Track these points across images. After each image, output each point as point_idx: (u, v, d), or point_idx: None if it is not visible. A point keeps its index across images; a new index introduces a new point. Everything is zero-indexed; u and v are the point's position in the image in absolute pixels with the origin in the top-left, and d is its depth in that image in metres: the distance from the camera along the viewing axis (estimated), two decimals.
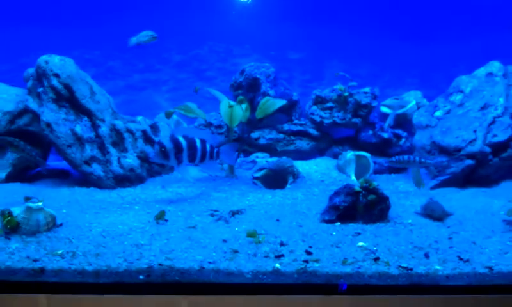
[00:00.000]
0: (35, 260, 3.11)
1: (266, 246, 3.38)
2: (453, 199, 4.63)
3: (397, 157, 5.01)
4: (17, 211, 3.55)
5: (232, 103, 5.45)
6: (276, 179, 5.23)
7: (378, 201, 4.00)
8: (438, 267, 3.11)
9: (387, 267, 3.10)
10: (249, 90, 6.39)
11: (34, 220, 3.56)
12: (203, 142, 4.51)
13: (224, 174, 5.49)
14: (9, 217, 3.49)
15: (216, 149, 4.60)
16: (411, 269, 3.08)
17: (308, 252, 3.29)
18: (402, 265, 3.12)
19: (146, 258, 3.14)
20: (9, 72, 5.98)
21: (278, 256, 3.22)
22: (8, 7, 6.63)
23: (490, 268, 3.12)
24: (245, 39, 6.96)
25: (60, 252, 3.23)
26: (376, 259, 3.21)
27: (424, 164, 4.87)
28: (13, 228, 3.50)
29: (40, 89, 5.09)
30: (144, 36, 5.34)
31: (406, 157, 4.93)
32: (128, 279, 3.01)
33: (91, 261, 3.10)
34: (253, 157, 6.05)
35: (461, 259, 3.24)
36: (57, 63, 5.15)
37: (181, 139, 4.42)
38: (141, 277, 3.00)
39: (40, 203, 3.62)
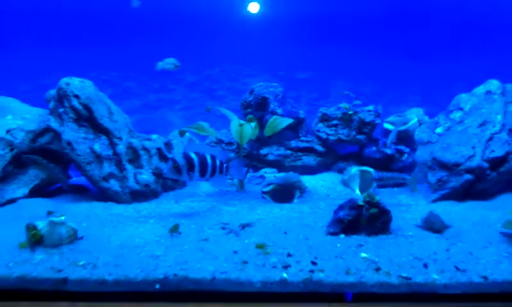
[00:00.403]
0: (59, 271, 3.23)
1: (274, 257, 3.47)
2: (452, 212, 4.67)
3: (380, 173, 5.14)
4: (41, 225, 3.65)
5: (242, 122, 5.50)
6: (283, 193, 5.25)
7: (380, 214, 4.05)
8: (436, 277, 3.21)
9: (388, 277, 3.20)
10: (258, 109, 6.43)
11: (57, 233, 3.66)
12: (213, 158, 4.59)
13: (235, 189, 5.53)
14: (34, 231, 3.61)
15: (225, 165, 4.67)
16: (411, 279, 3.18)
17: (314, 263, 3.39)
18: (403, 275, 3.22)
19: (162, 269, 3.25)
20: (31, 92, 6.02)
21: (285, 267, 3.31)
22: (29, 31, 6.74)
23: (485, 277, 3.21)
24: (254, 60, 7.01)
25: (82, 263, 3.35)
26: (378, 269, 3.31)
27: (407, 181, 4.98)
28: (38, 241, 3.61)
29: (61, 110, 5.17)
30: (170, 63, 5.47)
31: (388, 173, 5.06)
32: (146, 288, 3.12)
33: (111, 271, 3.22)
34: (261, 172, 6.08)
35: (458, 269, 3.33)
36: (78, 85, 5.24)
37: (193, 155, 4.50)
38: (157, 286, 3.12)
39: (63, 217, 3.72)
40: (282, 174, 5.62)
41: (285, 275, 3.19)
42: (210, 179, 4.64)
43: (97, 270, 3.25)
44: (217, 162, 4.62)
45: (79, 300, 3.11)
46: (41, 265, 3.32)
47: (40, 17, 6.66)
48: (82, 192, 5.44)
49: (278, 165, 6.30)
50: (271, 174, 5.94)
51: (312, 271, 3.26)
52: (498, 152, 5.09)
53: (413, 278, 3.18)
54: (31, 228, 3.64)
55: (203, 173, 4.55)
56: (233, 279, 3.15)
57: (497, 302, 3.17)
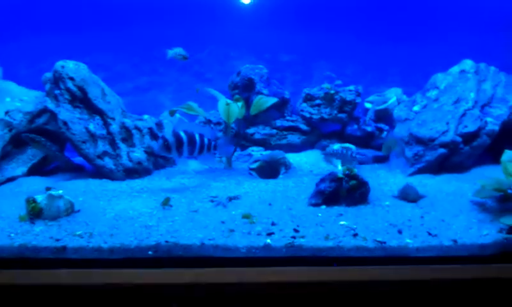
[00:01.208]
0: (57, 240, 3.33)
1: (259, 226, 3.59)
2: (428, 184, 4.76)
3: (331, 148, 5.25)
4: (40, 198, 3.73)
5: (229, 101, 5.54)
6: (269, 170, 5.32)
7: (359, 185, 4.16)
8: (409, 241, 3.33)
9: (364, 241, 3.32)
10: (245, 90, 6.46)
11: (55, 206, 3.75)
12: (201, 136, 4.64)
13: (223, 167, 5.61)
14: (34, 204, 3.70)
15: (213, 143, 4.73)
16: (385, 243, 3.30)
17: (296, 230, 3.51)
18: (378, 239, 3.34)
19: (154, 237, 3.35)
20: (28, 77, 6.02)
21: (269, 234, 3.43)
22: (25, 18, 6.74)
23: (455, 241, 3.34)
24: (241, 44, 7.00)
25: (79, 233, 3.45)
26: (355, 235, 3.43)
27: (354, 159, 5.07)
28: (37, 214, 3.70)
29: (57, 91, 5.18)
30: (178, 54, 5.49)
31: (339, 149, 5.16)
32: (139, 254, 3.22)
33: (106, 240, 3.32)
34: (248, 150, 6.14)
35: (430, 234, 3.45)
36: (72, 68, 5.25)
37: (182, 133, 4.56)
38: (150, 252, 3.23)
39: (61, 191, 3.82)
40: (268, 152, 5.69)
41: (268, 241, 3.31)
42: (199, 156, 4.71)
43: (93, 238, 3.35)
44: (206, 141, 4.67)
45: (77, 267, 3.20)
46: (40, 235, 3.42)
47: (35, 5, 6.65)
48: (78, 171, 5.49)
49: (264, 143, 6.36)
50: (257, 152, 5.99)
51: (293, 237, 3.38)
52: (471, 127, 5.19)
53: (388, 242, 3.31)
54: (30, 201, 3.73)
55: (191, 151, 4.61)
56: (221, 245, 3.26)
57: (465, 264, 3.30)
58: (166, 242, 3.27)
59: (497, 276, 3.24)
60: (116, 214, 3.90)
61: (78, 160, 5.57)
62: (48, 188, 4.06)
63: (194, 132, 4.65)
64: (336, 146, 5.66)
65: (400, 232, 3.50)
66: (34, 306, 3.16)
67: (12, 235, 3.44)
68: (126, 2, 6.82)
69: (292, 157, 5.79)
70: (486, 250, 3.31)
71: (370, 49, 7.01)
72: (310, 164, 5.71)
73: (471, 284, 3.22)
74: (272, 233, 3.45)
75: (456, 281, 3.22)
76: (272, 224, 3.65)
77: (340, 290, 3.16)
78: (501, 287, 3.21)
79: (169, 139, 4.54)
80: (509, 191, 3.87)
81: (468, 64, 5.87)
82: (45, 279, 3.15)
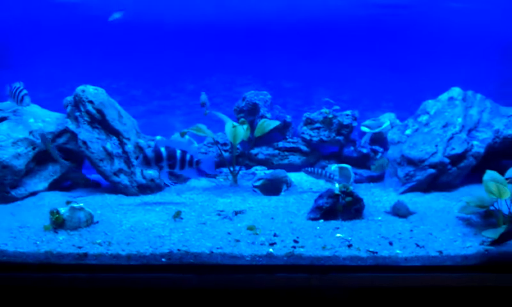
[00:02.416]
0: (79, 247, 3.50)
1: (262, 237, 3.75)
2: (418, 202, 4.88)
3: (311, 168, 5.37)
4: (63, 210, 3.90)
5: (235, 124, 5.69)
6: (272, 187, 5.42)
7: (354, 202, 4.31)
8: (398, 251, 3.49)
9: (358, 251, 3.48)
10: (250, 114, 6.56)
11: (76, 217, 3.92)
12: (183, 152, 4.70)
13: (229, 184, 5.74)
14: (57, 215, 3.87)
15: (195, 159, 4.77)
16: (377, 253, 3.46)
17: (296, 241, 3.66)
18: (370, 250, 3.51)
19: (167, 246, 3.52)
20: (49, 99, 6.10)
21: (272, 244, 3.59)
22: (47, 46, 6.92)
23: (441, 252, 3.49)
24: (247, 71, 7.13)
25: (99, 241, 3.61)
26: (350, 245, 3.59)
27: (330, 179, 5.17)
28: (60, 224, 3.87)
29: (77, 113, 5.35)
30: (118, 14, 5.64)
31: (319, 169, 5.28)
32: (154, 261, 3.38)
33: (124, 248, 3.49)
34: (253, 169, 6.23)
35: (418, 245, 3.61)
36: (92, 92, 5.43)
37: (162, 149, 4.66)
38: (163, 259, 3.39)
39: (82, 204, 3.99)
40: (271, 171, 5.79)
41: (271, 250, 3.47)
42: (181, 171, 4.80)
43: (112, 247, 3.52)
44: (187, 157, 4.73)
45: (96, 272, 3.36)
46: (64, 243, 3.59)
47: (56, 35, 6.83)
48: (95, 187, 5.61)
49: (267, 163, 6.45)
50: (261, 171, 6.10)
51: (294, 247, 3.54)
52: (458, 149, 5.31)
53: (379, 252, 3.47)
54: (54, 212, 3.89)
55: (172, 166, 4.71)
56: (228, 253, 3.43)
57: (450, 273, 3.45)
58: (178, 250, 3.44)
59: (479, 285, 3.39)
60: (132, 225, 4.06)
61: (94, 177, 5.70)
62: (68, 202, 4.24)
63: (176, 148, 4.73)
64: (334, 167, 5.82)
65: (391, 244, 3.65)
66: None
67: (38, 242, 3.61)
68: (139, 34, 7.02)
69: (293, 176, 5.89)
70: (469, 260, 3.45)
71: (366, 77, 7.12)
72: (309, 182, 5.82)
73: (455, 292, 3.37)
74: (274, 243, 3.61)
75: (441, 288, 3.38)
76: (275, 235, 3.81)
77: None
78: (482, 295, 3.36)
79: (148, 154, 4.67)
80: (491, 208, 3.99)
81: (456, 91, 5.99)
82: (68, 282, 3.32)
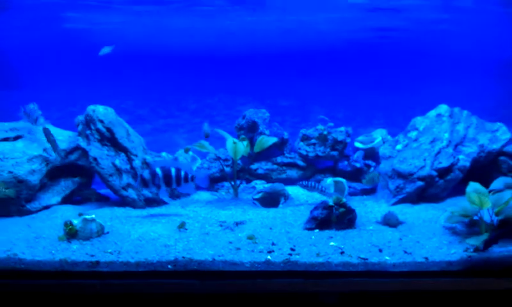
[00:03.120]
0: (92, 255, 3.65)
1: (261, 245, 3.89)
2: (407, 212, 5.00)
3: (306, 181, 5.48)
4: (76, 221, 4.05)
5: (236, 140, 5.82)
6: (271, 200, 5.54)
7: (347, 212, 4.45)
8: (387, 258, 3.63)
9: (350, 258, 3.63)
10: (250, 131, 6.64)
11: (88, 228, 4.07)
12: (178, 170, 4.84)
13: (230, 197, 5.86)
14: (71, 226, 4.02)
15: (190, 175, 4.89)
16: (367, 259, 3.60)
17: (292, 249, 3.81)
18: (361, 256, 3.66)
19: (173, 254, 3.66)
20: (61, 119, 6.21)
21: (270, 252, 3.73)
22: (59, 69, 7.10)
23: (426, 258, 3.64)
24: (246, 91, 7.28)
25: (110, 250, 3.76)
26: (342, 253, 3.73)
27: (323, 192, 5.29)
28: (73, 234, 4.02)
29: (88, 132, 5.49)
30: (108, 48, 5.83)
31: (312, 183, 5.40)
32: (160, 268, 3.54)
33: (133, 256, 3.63)
34: (252, 183, 6.32)
35: (405, 252, 3.75)
36: (102, 111, 5.57)
37: (158, 170, 4.80)
38: (169, 266, 3.54)
39: (93, 216, 4.14)
40: (270, 185, 5.90)
41: (269, 257, 3.62)
42: (177, 187, 4.94)
43: (122, 255, 3.67)
44: (182, 174, 4.86)
45: (108, 279, 3.51)
46: (77, 252, 3.74)
47: (67, 57, 7.00)
48: (104, 201, 5.73)
49: (266, 177, 6.54)
50: (260, 185, 6.21)
51: (290, 254, 3.69)
52: (445, 163, 5.44)
53: (369, 259, 3.61)
54: (68, 224, 4.04)
55: (168, 183, 4.85)
56: (229, 260, 3.58)
57: (435, 278, 3.59)
58: (183, 257, 3.59)
59: (462, 289, 3.53)
60: (140, 236, 4.20)
61: (103, 191, 5.84)
62: (80, 214, 4.38)
63: (171, 167, 4.87)
64: (329, 180, 5.95)
65: (380, 251, 3.80)
66: None
67: (53, 251, 3.76)
68: (146, 58, 7.21)
69: (291, 189, 5.98)
70: (453, 266, 3.59)
71: (359, 96, 7.31)
72: (306, 195, 5.91)
73: (440, 296, 3.51)
74: (272, 251, 3.76)
75: (427, 292, 3.52)
76: (272, 244, 3.95)
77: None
78: (466, 298, 3.50)
79: (145, 176, 4.85)
80: (475, 217, 4.14)
81: (443, 108, 6.13)
82: (82, 289, 3.46)
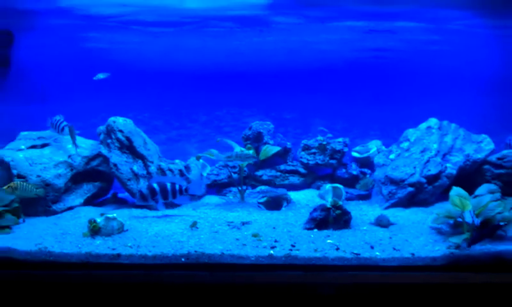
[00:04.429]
0: (113, 249, 3.85)
1: (265, 242, 4.07)
2: (399, 215, 5.16)
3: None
4: (99, 219, 4.27)
5: (243, 149, 5.99)
6: (274, 203, 5.69)
7: (343, 214, 4.64)
8: (378, 253, 3.81)
9: (344, 253, 3.81)
10: (255, 141, 6.79)
11: (110, 226, 4.28)
12: (173, 184, 5.06)
13: (237, 201, 6.01)
14: (95, 223, 4.23)
15: (184, 187, 5.12)
16: (359, 254, 3.79)
17: (293, 245, 3.99)
18: (354, 252, 3.85)
19: (186, 248, 3.86)
20: (84, 129, 6.31)
21: (273, 247, 3.92)
22: (81, 84, 7.28)
23: (413, 254, 3.83)
24: (252, 105, 7.45)
25: (129, 244, 3.96)
26: (337, 249, 3.92)
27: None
28: (96, 231, 4.23)
29: (109, 140, 5.71)
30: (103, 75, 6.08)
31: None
32: (175, 260, 3.73)
33: (150, 249, 3.83)
34: (258, 189, 6.36)
35: (394, 249, 3.93)
36: (122, 122, 5.81)
37: (155, 185, 5.03)
38: (183, 259, 3.73)
39: (115, 214, 4.37)
40: (271, 188, 6.10)
41: (272, 252, 3.81)
42: (174, 200, 5.14)
43: (140, 249, 3.87)
44: (177, 187, 5.08)
45: (128, 270, 3.71)
46: (100, 246, 3.95)
47: (89, 73, 7.15)
48: (122, 203, 5.91)
49: (270, 183, 6.65)
50: (265, 190, 6.26)
51: (291, 250, 3.88)
52: (433, 171, 5.61)
53: (361, 254, 3.79)
54: (92, 221, 4.25)
55: (165, 197, 5.06)
56: (236, 254, 3.77)
57: (420, 272, 3.78)
58: (195, 251, 3.79)
59: (445, 282, 3.69)
60: (156, 233, 4.41)
61: (121, 195, 6.05)
62: (102, 214, 4.59)
63: (166, 182, 5.11)
64: (328, 186, 6.12)
65: (372, 247, 3.99)
66: None
67: (79, 245, 3.97)
68: (160, 73, 7.40)
69: (293, 194, 6.15)
70: (437, 261, 3.77)
71: (356, 110, 7.45)
72: (306, 200, 6.06)
73: (424, 288, 3.68)
74: (275, 247, 3.95)
75: (413, 284, 3.69)
76: (275, 241, 4.14)
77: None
78: (447, 290, 3.67)
79: (144, 191, 5.05)
80: (459, 219, 4.32)
81: (433, 121, 6.32)
82: (104, 278, 3.68)
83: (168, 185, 5.09)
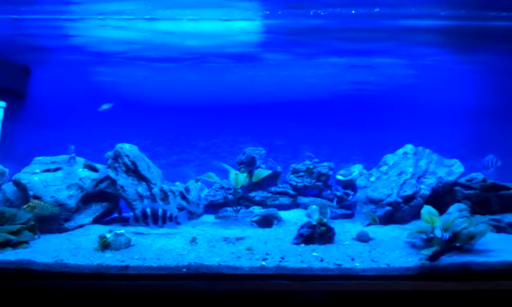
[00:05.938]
0: (122, 261, 4.03)
1: (257, 255, 4.26)
2: (378, 231, 5.36)
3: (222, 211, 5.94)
4: (109, 235, 4.45)
5: (237, 172, 6.19)
6: (266, 222, 5.88)
7: (327, 231, 4.85)
8: (357, 264, 4.01)
9: (327, 264, 4.01)
10: (249, 165, 6.98)
11: (118, 241, 4.46)
12: (164, 211, 5.24)
13: (232, 219, 6.24)
14: (104, 239, 4.41)
15: (174, 215, 5.29)
16: (341, 265, 3.99)
17: (282, 258, 4.17)
18: (336, 263, 4.06)
19: (187, 260, 4.03)
20: (92, 154, 6.55)
21: (264, 259, 4.10)
22: (89, 113, 7.48)
23: (388, 264, 4.04)
24: (246, 132, 7.70)
25: (136, 257, 4.14)
26: (322, 260, 4.12)
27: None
28: (106, 246, 4.40)
29: (116, 165, 5.90)
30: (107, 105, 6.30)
31: (225, 213, 5.89)
32: (177, 271, 3.91)
33: (155, 261, 4.02)
34: (251, 208, 6.57)
35: (372, 260, 4.13)
36: (128, 148, 6.01)
37: (148, 210, 5.21)
38: (184, 270, 3.91)
39: (123, 231, 4.55)
40: (265, 210, 6.26)
41: (263, 263, 4.00)
42: (163, 225, 5.28)
43: (146, 261, 4.05)
44: (168, 214, 5.25)
45: (135, 279, 3.89)
46: (110, 259, 4.11)
47: (97, 103, 7.35)
48: (127, 221, 6.09)
49: (262, 203, 6.81)
50: (257, 210, 6.49)
51: (280, 261, 4.06)
52: (409, 192, 5.86)
53: (343, 265, 3.99)
54: (102, 237, 4.43)
55: (155, 221, 5.23)
56: (231, 265, 3.95)
57: (395, 281, 3.99)
58: (195, 263, 3.97)
59: (416, 289, 3.88)
60: (159, 247, 4.58)
61: (126, 214, 6.19)
62: (111, 231, 4.78)
63: (159, 208, 5.28)
64: (314, 206, 6.30)
65: (353, 259, 4.19)
66: None
67: (91, 258, 4.14)
68: (162, 104, 7.66)
69: (283, 213, 6.33)
70: (410, 271, 3.96)
71: (340, 137, 7.73)
72: (295, 219, 6.20)
73: (398, 295, 3.88)
74: (266, 259, 4.14)
75: (388, 292, 3.89)
76: (266, 254, 4.33)
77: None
78: (419, 297, 3.86)
79: (138, 214, 5.25)
80: (430, 234, 4.56)
81: (409, 147, 6.59)
82: (113, 287, 3.86)
83: (160, 211, 5.26)
